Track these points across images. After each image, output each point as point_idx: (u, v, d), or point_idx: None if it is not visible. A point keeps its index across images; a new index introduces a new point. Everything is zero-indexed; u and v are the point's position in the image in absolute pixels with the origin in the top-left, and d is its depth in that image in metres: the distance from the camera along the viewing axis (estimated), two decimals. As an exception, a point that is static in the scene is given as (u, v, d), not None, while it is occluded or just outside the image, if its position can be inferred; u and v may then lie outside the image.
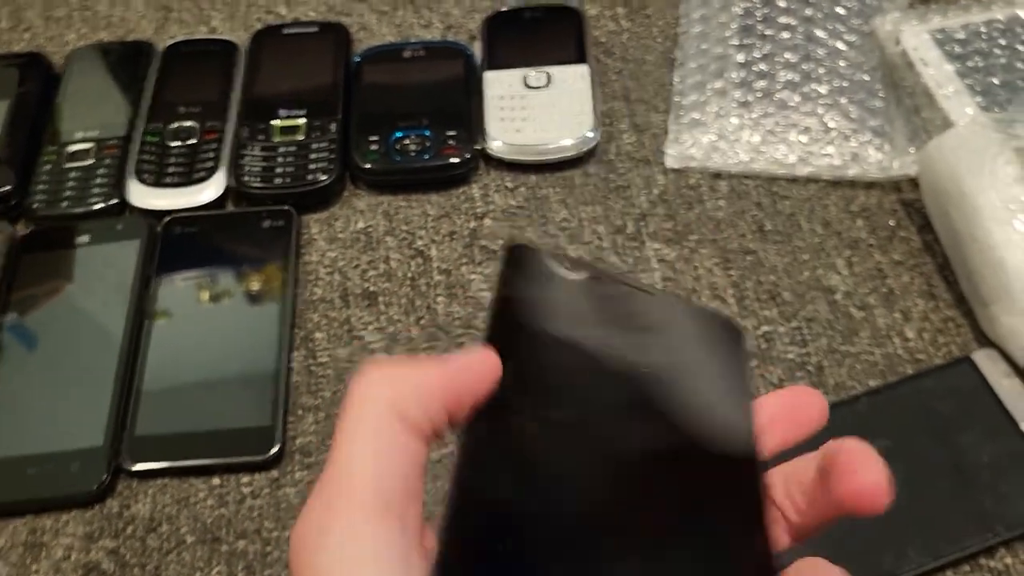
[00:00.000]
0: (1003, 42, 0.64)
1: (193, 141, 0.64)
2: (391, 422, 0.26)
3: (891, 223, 0.61)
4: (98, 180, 0.63)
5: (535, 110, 0.64)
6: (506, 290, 0.31)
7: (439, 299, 0.59)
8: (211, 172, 0.63)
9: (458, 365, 0.27)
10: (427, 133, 0.64)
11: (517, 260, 0.32)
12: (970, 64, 0.63)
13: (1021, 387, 0.52)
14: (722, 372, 0.32)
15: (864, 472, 0.26)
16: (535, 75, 0.66)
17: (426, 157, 0.63)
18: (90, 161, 0.64)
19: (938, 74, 0.62)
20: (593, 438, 0.29)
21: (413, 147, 0.63)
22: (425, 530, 0.26)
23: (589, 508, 0.27)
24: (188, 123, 0.65)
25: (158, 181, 0.62)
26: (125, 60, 0.70)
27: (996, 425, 0.51)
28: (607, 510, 0.27)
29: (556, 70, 0.66)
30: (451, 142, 0.63)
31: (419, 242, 0.62)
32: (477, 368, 0.27)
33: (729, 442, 0.30)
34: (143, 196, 0.62)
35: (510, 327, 0.30)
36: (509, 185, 0.64)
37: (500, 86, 0.66)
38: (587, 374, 0.30)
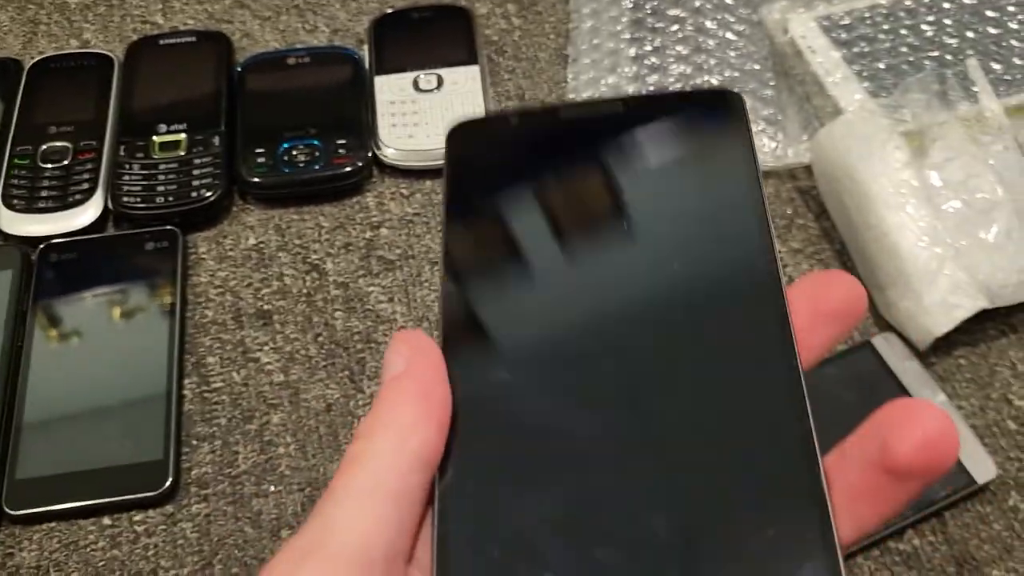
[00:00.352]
0: (887, 27, 0.65)
1: (66, 162, 0.60)
2: (399, 459, 0.24)
3: (788, 211, 0.61)
4: (-35, 208, 0.59)
5: (427, 114, 0.63)
6: (458, 174, 0.29)
7: (337, 314, 0.57)
8: (88, 194, 0.59)
9: (424, 381, 0.25)
10: (316, 142, 0.61)
11: (462, 139, 0.29)
12: (856, 50, 0.63)
13: (921, 369, 0.53)
14: (724, 161, 0.29)
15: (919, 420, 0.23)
16: (425, 78, 0.64)
17: (316, 167, 0.60)
18: (-45, 188, 0.60)
19: (826, 61, 0.62)
20: (595, 300, 0.27)
21: (302, 157, 0.61)
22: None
23: (598, 374, 0.26)
24: (60, 143, 0.61)
25: (30, 206, 0.59)
26: (-10, 79, 0.66)
27: (899, 408, 0.52)
28: (619, 368, 0.26)
29: (447, 72, 0.64)
30: (342, 151, 0.61)
31: (314, 256, 0.59)
32: (435, 372, 0.26)
33: (743, 248, 0.27)
34: (15, 223, 0.59)
35: (472, 210, 0.28)
36: (404, 192, 0.62)
37: (390, 91, 0.64)
38: (573, 229, 0.28)
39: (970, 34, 0.65)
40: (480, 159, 0.29)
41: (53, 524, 0.50)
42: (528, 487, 0.25)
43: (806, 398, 0.25)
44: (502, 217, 0.28)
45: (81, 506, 0.49)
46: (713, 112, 0.30)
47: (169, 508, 0.50)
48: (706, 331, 0.27)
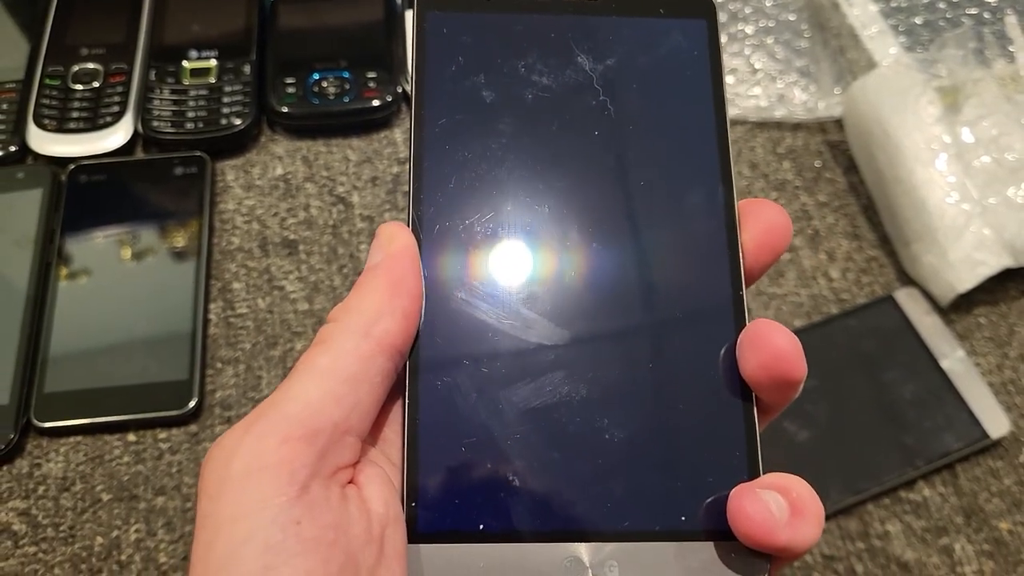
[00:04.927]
0: (926, -18, 0.64)
1: (97, 84, 0.60)
2: (362, 344, 0.25)
3: (817, 164, 0.61)
4: (-4, 126, 0.59)
5: (458, 51, 0.62)
6: (428, 38, 0.29)
7: (362, 247, 0.57)
8: (118, 117, 0.59)
9: (396, 274, 0.26)
10: (346, 75, 0.61)
11: (431, 15, 0.30)
12: (894, 4, 0.63)
13: (941, 325, 0.53)
14: (691, 62, 0.30)
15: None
16: (458, 14, 0.64)
17: (346, 100, 0.60)
18: (-14, 106, 0.60)
19: (863, 14, 0.61)
20: (556, 200, 0.28)
21: (332, 89, 0.61)
22: (361, 468, 0.25)
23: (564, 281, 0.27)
24: (91, 65, 0.61)
25: (61, 127, 0.59)
26: (22, -2, 0.66)
27: (917, 362, 0.52)
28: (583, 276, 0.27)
29: (480, 9, 0.64)
30: (372, 84, 0.61)
31: (340, 188, 0.60)
32: (410, 266, 0.27)
33: (698, 164, 0.29)
34: (45, 142, 0.59)
35: (439, 77, 0.29)
36: (433, 129, 0.62)
37: (422, 26, 0.64)
38: (537, 112, 0.29)
39: (1009, -7, 0.64)
40: (450, 27, 0.30)
41: (80, 438, 0.51)
42: (495, 383, 0.26)
43: (745, 309, 0.27)
44: (470, 105, 0.29)
45: (107, 421, 0.50)
46: (686, 10, 0.30)
47: (193, 428, 0.51)
48: (660, 246, 0.28)
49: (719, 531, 0.25)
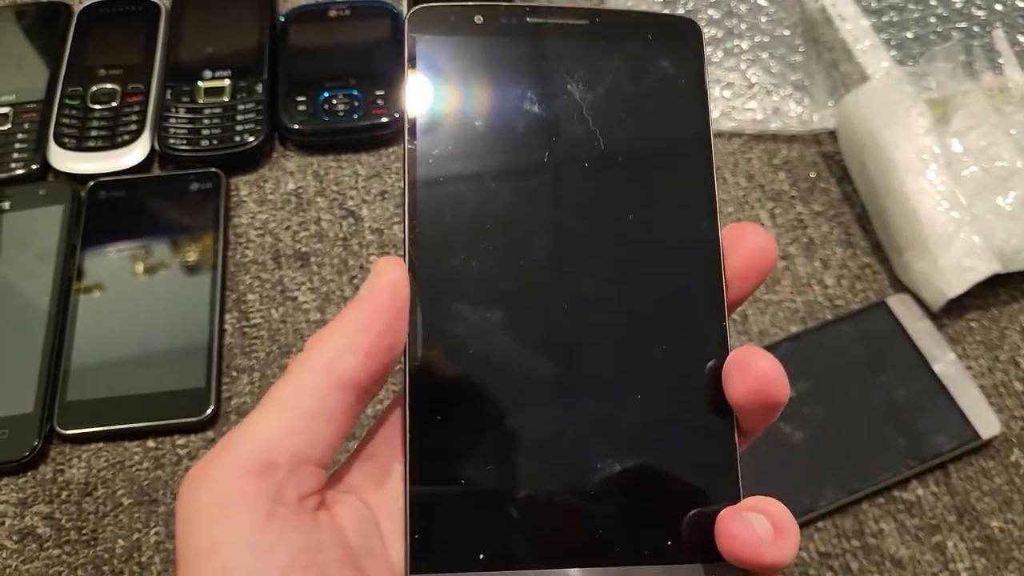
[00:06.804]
0: (917, -3, 0.66)
1: (115, 104, 0.63)
2: (321, 379, 0.26)
3: (812, 175, 0.63)
4: (18, 145, 0.61)
5: (463, 68, 0.64)
6: (418, 64, 0.30)
7: (372, 258, 0.59)
8: (135, 135, 0.62)
9: (370, 310, 0.27)
10: (355, 93, 0.63)
11: (424, 25, 0.30)
12: (885, 19, 0.65)
13: (933, 329, 0.55)
14: (677, 90, 0.31)
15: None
16: (463, 33, 0.66)
17: (355, 117, 0.63)
18: (8, 126, 0.62)
19: (855, 29, 0.63)
20: (546, 209, 0.29)
21: (342, 107, 0.63)
22: (334, 496, 0.27)
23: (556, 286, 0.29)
24: (109, 86, 0.64)
25: (80, 145, 0.61)
26: (41, 21, 0.68)
27: (910, 366, 0.54)
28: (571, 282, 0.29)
29: (483, 28, 0.66)
30: (380, 101, 0.63)
31: (350, 202, 0.62)
32: (389, 303, 0.27)
33: (686, 179, 0.30)
34: (65, 160, 0.61)
35: (430, 107, 0.29)
36: (439, 144, 0.64)
37: (428, 45, 0.66)
38: (527, 141, 0.30)
39: (999, 7, 0.66)
40: (441, 52, 0.30)
41: (101, 444, 0.53)
42: (489, 417, 0.28)
43: (728, 337, 0.29)
44: (462, 124, 0.29)
45: (127, 428, 0.52)
46: (673, 38, 0.31)
47: (210, 434, 0.53)
48: (646, 278, 0.29)
49: (704, 553, 0.27)
